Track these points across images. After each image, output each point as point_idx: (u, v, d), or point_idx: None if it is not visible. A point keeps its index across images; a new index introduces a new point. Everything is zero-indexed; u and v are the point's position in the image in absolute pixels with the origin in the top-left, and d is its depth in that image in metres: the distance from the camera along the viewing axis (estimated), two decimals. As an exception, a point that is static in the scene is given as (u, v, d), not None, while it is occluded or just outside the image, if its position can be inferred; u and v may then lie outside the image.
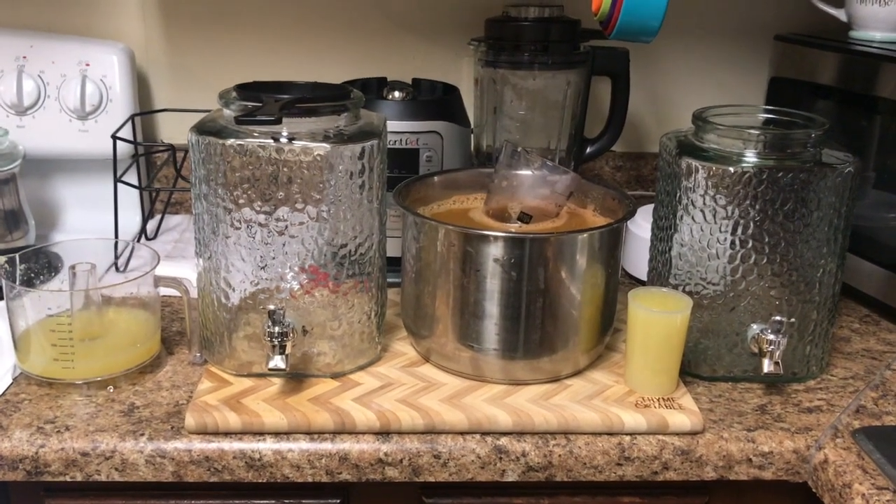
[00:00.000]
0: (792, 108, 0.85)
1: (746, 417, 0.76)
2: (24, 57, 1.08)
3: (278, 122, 0.69)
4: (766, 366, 0.77)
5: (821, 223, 0.77)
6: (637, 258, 1.02)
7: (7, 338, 0.80)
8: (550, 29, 1.02)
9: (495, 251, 0.74)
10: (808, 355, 0.81)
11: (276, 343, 0.72)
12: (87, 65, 1.09)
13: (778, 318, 0.77)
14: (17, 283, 0.79)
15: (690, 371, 0.81)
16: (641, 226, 1.01)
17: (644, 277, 0.90)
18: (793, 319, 0.79)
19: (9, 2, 1.16)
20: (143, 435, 0.71)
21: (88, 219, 1.12)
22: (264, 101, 0.72)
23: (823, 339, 0.82)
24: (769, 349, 0.77)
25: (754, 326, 0.79)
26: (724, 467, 0.72)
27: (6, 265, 0.78)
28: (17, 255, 0.80)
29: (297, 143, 0.72)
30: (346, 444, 0.71)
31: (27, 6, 1.16)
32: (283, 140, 0.72)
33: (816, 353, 0.82)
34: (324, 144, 0.72)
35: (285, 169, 0.72)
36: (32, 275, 0.82)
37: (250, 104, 0.73)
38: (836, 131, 1.00)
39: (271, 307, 0.73)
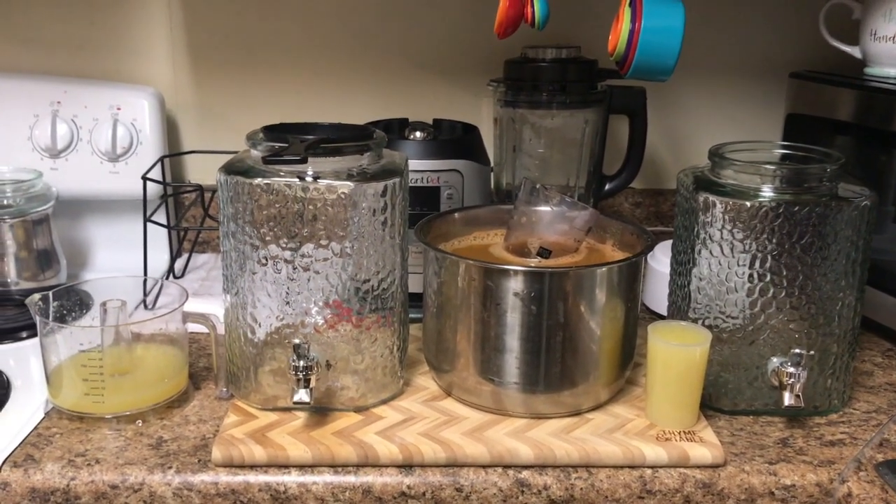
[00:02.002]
0: (809, 144, 0.86)
1: (768, 451, 0.76)
2: (59, 102, 1.12)
3: (304, 161, 0.71)
4: (787, 399, 0.77)
5: (838, 256, 0.77)
6: (657, 293, 1.03)
7: (40, 373, 0.82)
8: (568, 69, 1.04)
9: (515, 285, 0.75)
10: (829, 388, 0.81)
11: (301, 377, 0.74)
12: (119, 109, 1.13)
13: (797, 350, 0.77)
14: (50, 319, 0.81)
15: (711, 405, 0.82)
16: (661, 261, 1.02)
17: (665, 312, 0.90)
18: (812, 352, 0.79)
19: (44, 49, 1.20)
20: (170, 468, 0.72)
21: (118, 258, 1.15)
22: (290, 141, 0.74)
23: (845, 373, 0.82)
24: (789, 382, 0.77)
25: (774, 359, 0.79)
26: (746, 500, 0.72)
27: (40, 302, 0.80)
28: (50, 293, 0.82)
29: (322, 182, 0.74)
30: (370, 478, 0.72)
31: (61, 53, 1.20)
32: (309, 179, 0.74)
33: (838, 386, 0.82)
34: (347, 183, 0.74)
35: (310, 207, 0.74)
36: (65, 312, 0.85)
37: (277, 145, 0.75)
38: (855, 167, 1.01)
39: (296, 341, 0.74)
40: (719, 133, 1.25)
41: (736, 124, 1.26)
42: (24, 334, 0.97)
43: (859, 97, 1.01)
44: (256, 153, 0.76)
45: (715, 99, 1.26)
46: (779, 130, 1.12)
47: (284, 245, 0.75)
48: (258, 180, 0.74)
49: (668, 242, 0.91)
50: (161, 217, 1.10)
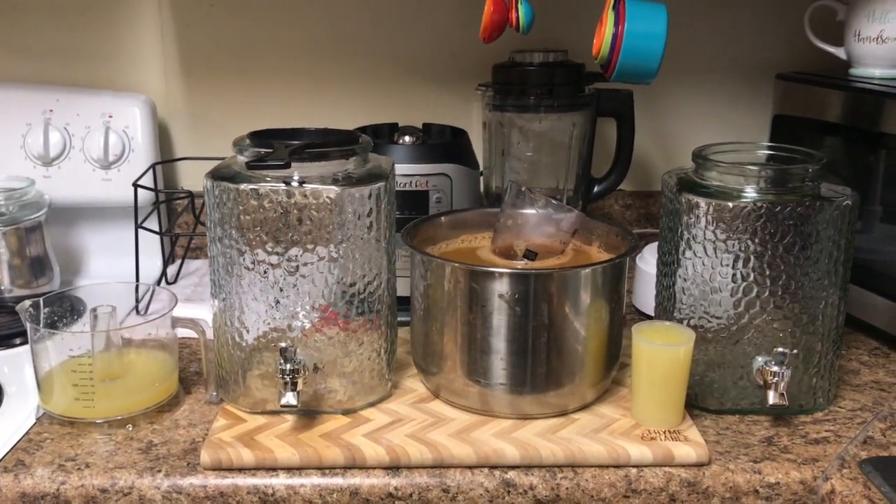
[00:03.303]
0: (796, 144, 0.86)
1: (753, 449, 0.76)
2: (51, 110, 1.13)
3: (287, 166, 0.72)
4: (772, 397, 0.78)
5: (821, 255, 0.78)
6: (646, 294, 1.03)
7: (31, 379, 0.83)
8: (555, 73, 1.05)
9: (500, 287, 0.76)
10: (814, 387, 0.82)
11: (288, 380, 0.75)
12: (111, 116, 1.13)
13: (781, 349, 0.78)
14: (41, 325, 0.82)
15: (698, 404, 0.82)
16: (650, 262, 1.03)
17: (653, 313, 0.91)
18: (796, 351, 0.79)
19: (37, 58, 1.21)
20: (159, 471, 0.73)
21: (111, 264, 1.15)
22: (275, 147, 0.75)
23: (829, 371, 0.83)
24: (773, 381, 0.77)
25: (759, 359, 0.80)
26: (730, 499, 0.73)
27: (31, 309, 0.81)
28: (40, 300, 0.83)
29: (308, 187, 0.75)
30: (357, 479, 0.73)
31: (54, 62, 1.21)
32: (295, 184, 0.74)
33: (823, 384, 0.82)
34: (333, 187, 0.75)
35: (296, 211, 0.75)
36: (56, 318, 0.85)
37: (262, 150, 0.76)
38: (842, 167, 1.02)
39: (283, 345, 0.75)
40: (707, 135, 1.25)
41: (724, 126, 1.27)
42: (18, 341, 0.97)
43: (845, 98, 1.02)
44: (242, 158, 0.77)
45: (702, 101, 1.26)
46: (766, 132, 1.13)
47: (271, 249, 0.76)
48: (244, 185, 0.75)
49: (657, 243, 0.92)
50: (153, 223, 1.11)
